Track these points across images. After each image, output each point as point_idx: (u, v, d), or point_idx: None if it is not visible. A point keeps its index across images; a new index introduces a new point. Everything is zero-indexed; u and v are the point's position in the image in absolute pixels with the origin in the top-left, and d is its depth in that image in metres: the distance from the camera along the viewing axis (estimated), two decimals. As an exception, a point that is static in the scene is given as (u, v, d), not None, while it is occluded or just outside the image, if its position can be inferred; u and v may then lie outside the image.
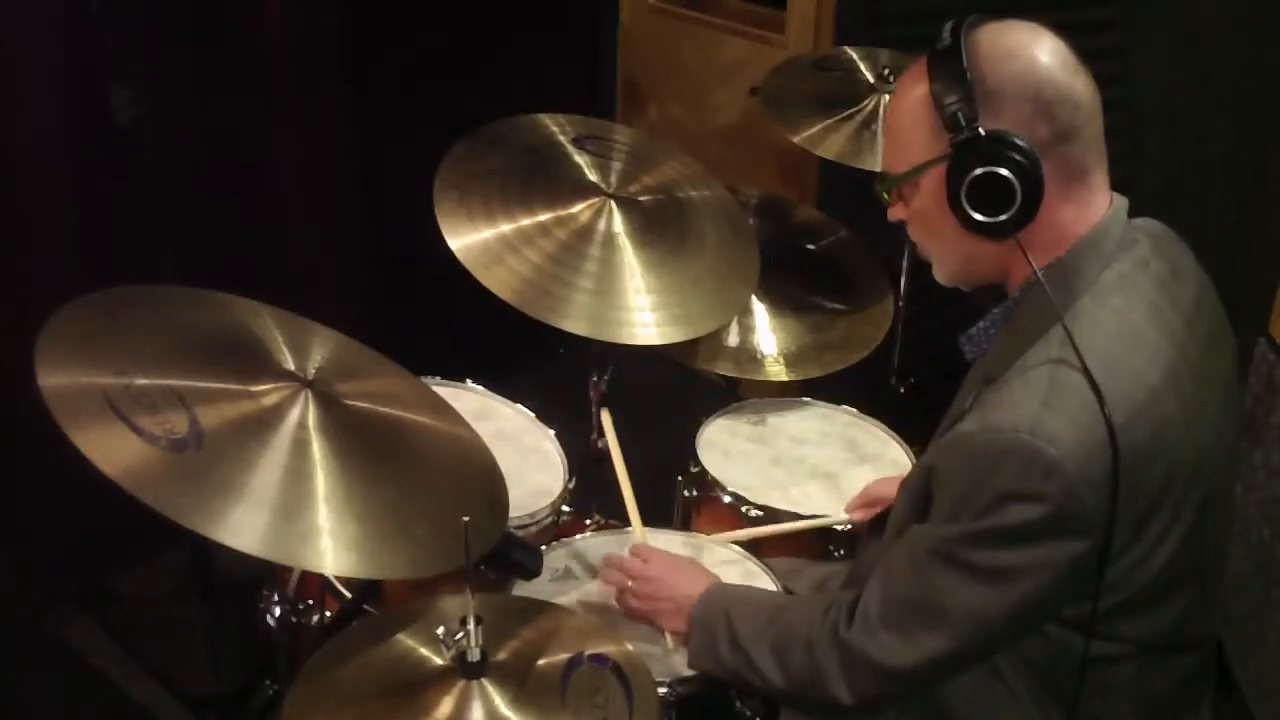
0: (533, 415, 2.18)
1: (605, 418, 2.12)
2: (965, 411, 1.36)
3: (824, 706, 1.46)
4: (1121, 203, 1.39)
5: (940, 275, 1.49)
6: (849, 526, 2.01)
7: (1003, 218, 1.32)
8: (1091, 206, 1.36)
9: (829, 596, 1.52)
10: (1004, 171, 1.30)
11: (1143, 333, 1.33)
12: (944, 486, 1.33)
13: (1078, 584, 1.30)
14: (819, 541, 2.02)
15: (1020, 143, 1.30)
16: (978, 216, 1.33)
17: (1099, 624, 1.32)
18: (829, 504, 2.06)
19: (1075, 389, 1.26)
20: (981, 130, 1.31)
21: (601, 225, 2.07)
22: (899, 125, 1.42)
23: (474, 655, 1.38)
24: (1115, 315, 1.33)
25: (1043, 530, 1.26)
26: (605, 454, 2.13)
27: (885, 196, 1.46)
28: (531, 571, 1.69)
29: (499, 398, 2.21)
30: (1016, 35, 1.34)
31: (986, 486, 1.27)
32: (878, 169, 2.33)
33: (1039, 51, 1.32)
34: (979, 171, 1.31)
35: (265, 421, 1.48)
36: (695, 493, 2.12)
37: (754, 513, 2.02)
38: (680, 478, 2.15)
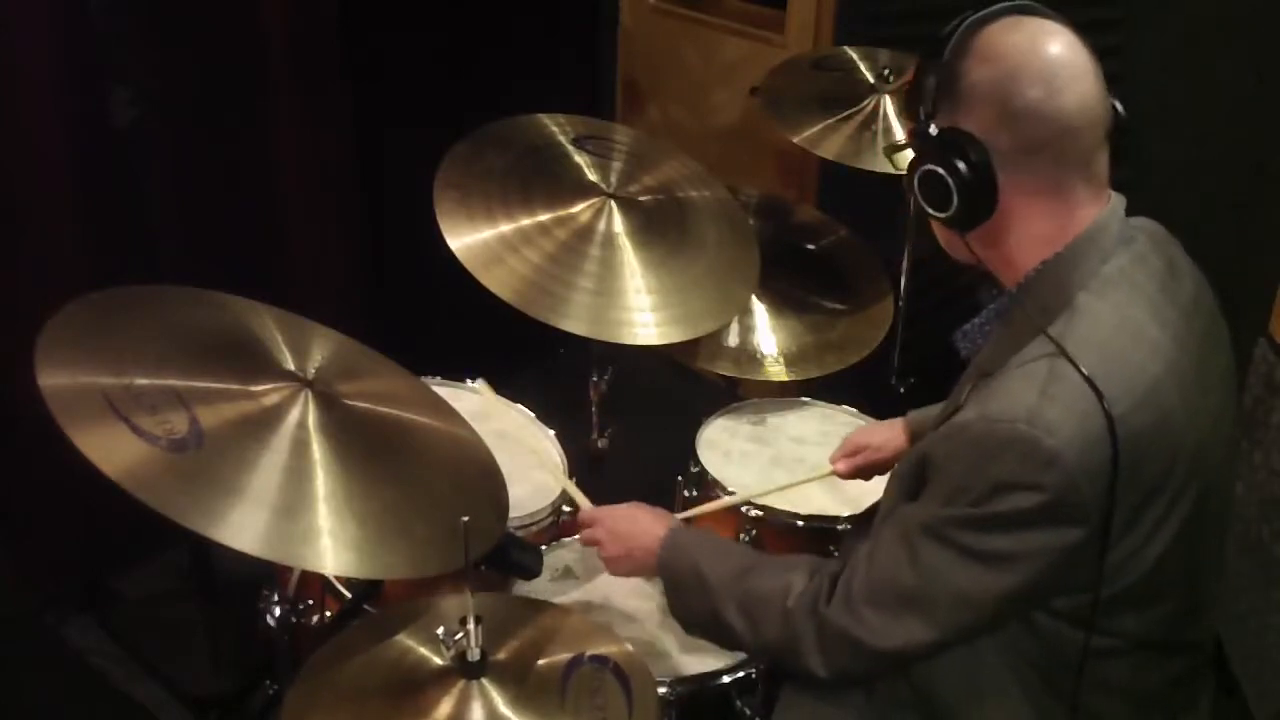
0: (533, 415, 2.19)
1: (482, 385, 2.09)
2: (961, 405, 1.36)
3: (796, 674, 1.45)
4: (1119, 201, 1.39)
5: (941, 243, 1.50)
6: (848, 527, 2.01)
7: (944, 215, 1.34)
8: (1075, 217, 1.34)
9: (801, 560, 1.50)
10: (944, 173, 1.31)
11: (1144, 326, 1.33)
12: (940, 473, 1.33)
13: (1069, 573, 1.30)
14: (819, 542, 2.02)
15: (970, 149, 1.30)
16: (925, 206, 1.36)
17: (1095, 618, 1.32)
18: (829, 504, 2.06)
19: (1074, 380, 1.26)
20: (934, 128, 1.32)
21: (601, 225, 2.07)
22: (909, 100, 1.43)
23: (474, 655, 1.38)
24: (1116, 309, 1.33)
25: (1039, 518, 1.26)
26: (605, 455, 2.13)
27: (893, 161, 1.49)
28: (531, 571, 1.69)
29: (499, 398, 2.21)
30: (1016, 36, 1.32)
31: (984, 475, 1.27)
32: (877, 169, 2.36)
33: (1029, 58, 1.30)
34: (925, 167, 1.33)
35: (265, 421, 1.48)
36: (695, 493, 2.12)
37: (754, 513, 2.02)
38: (680, 478, 2.15)
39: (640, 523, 1.67)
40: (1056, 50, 1.31)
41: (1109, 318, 1.32)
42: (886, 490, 1.49)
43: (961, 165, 1.30)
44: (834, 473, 1.99)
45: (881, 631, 1.36)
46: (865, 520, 1.98)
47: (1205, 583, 1.45)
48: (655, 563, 1.60)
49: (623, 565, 1.69)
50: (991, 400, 1.30)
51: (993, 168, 1.30)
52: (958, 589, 1.32)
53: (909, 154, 1.42)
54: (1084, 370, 1.25)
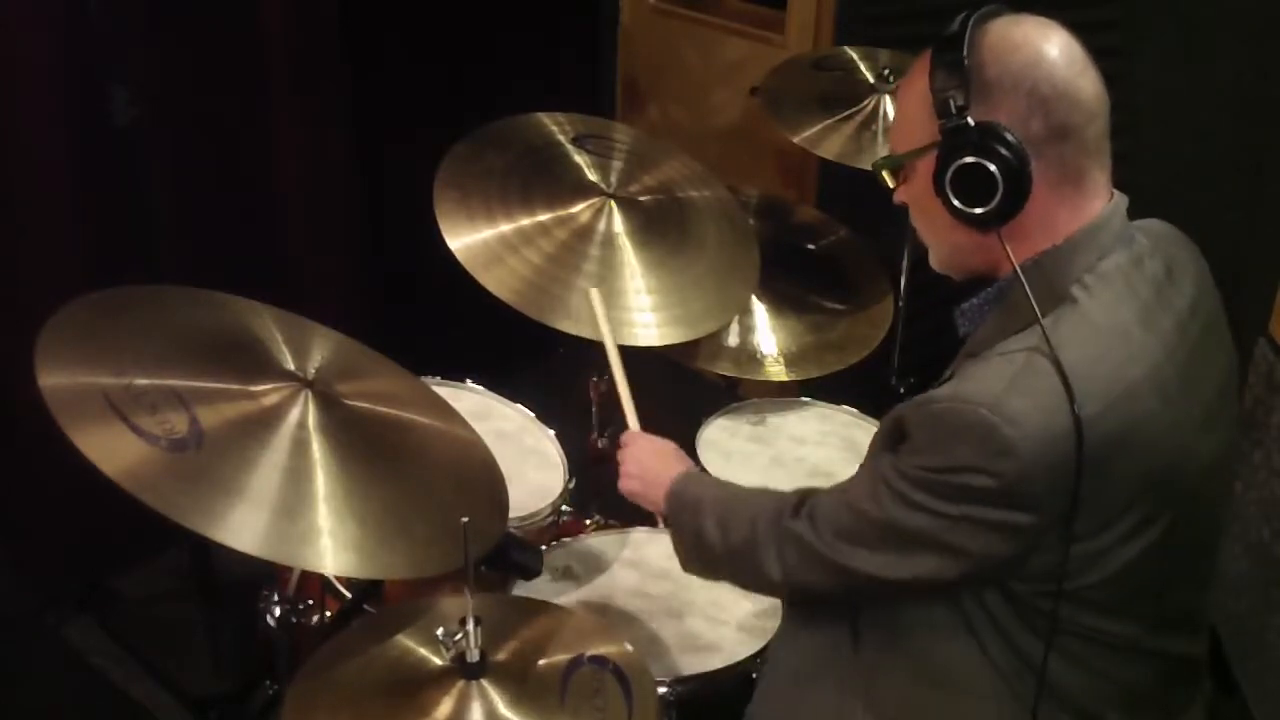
0: (533, 415, 2.18)
1: (595, 295, 1.94)
2: (945, 380, 1.36)
3: (755, 578, 1.50)
4: (1121, 200, 1.39)
5: (933, 262, 1.50)
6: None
7: (981, 210, 1.33)
8: (1087, 208, 1.36)
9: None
10: (988, 163, 1.30)
11: (1129, 329, 1.33)
12: (909, 436, 1.35)
13: (1018, 552, 1.31)
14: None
15: (1009, 136, 1.30)
16: (960, 205, 1.34)
17: (1069, 614, 1.33)
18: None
19: (1047, 375, 1.27)
20: (971, 120, 1.31)
21: (601, 225, 2.07)
22: (903, 107, 1.43)
23: (473, 656, 1.38)
24: (1103, 309, 1.33)
25: (989, 498, 1.28)
26: (607, 456, 2.11)
27: (884, 178, 1.47)
28: (531, 571, 1.70)
29: (499, 398, 2.22)
30: (1024, 29, 1.34)
31: (945, 452, 1.29)
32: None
33: (1044, 46, 1.32)
34: (964, 161, 1.31)
35: (265, 421, 1.48)
36: (695, 493, 2.12)
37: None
38: (680, 478, 2.15)
39: (667, 460, 1.72)
40: (1063, 40, 1.33)
41: (1096, 316, 1.32)
42: (870, 447, 1.51)
43: (1006, 153, 1.30)
44: None
45: (834, 547, 1.40)
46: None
47: (1193, 585, 1.45)
48: (664, 493, 1.64)
49: (633, 485, 1.72)
50: (966, 381, 1.31)
51: (1029, 155, 1.31)
52: (904, 530, 1.34)
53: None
54: (1064, 368, 1.26)
